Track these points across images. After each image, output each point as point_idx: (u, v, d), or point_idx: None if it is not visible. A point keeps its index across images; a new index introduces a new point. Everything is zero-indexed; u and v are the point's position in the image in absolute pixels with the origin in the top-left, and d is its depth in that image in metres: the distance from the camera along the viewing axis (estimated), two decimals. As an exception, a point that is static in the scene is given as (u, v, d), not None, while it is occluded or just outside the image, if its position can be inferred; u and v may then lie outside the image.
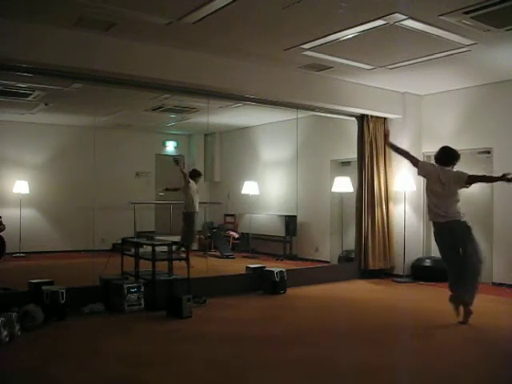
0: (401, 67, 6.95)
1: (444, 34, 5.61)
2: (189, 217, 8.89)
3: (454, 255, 5.44)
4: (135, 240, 7.02)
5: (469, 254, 5.32)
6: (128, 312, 5.80)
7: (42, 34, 5.44)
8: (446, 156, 5.58)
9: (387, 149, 8.51)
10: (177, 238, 8.15)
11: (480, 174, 5.39)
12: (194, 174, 9.24)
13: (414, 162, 5.85)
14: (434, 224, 5.55)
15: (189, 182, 8.92)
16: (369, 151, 8.39)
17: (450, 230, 5.39)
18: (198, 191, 9.11)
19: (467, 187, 5.44)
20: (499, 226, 7.66)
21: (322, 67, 7.07)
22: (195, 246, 10.32)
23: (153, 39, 5.95)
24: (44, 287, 5.52)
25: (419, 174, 5.85)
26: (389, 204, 8.45)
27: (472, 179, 5.41)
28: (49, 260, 9.27)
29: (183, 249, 7.64)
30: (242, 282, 7.12)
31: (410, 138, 8.52)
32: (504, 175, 5.20)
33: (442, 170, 5.50)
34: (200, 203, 11.18)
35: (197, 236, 9.71)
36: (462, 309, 5.35)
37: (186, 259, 6.32)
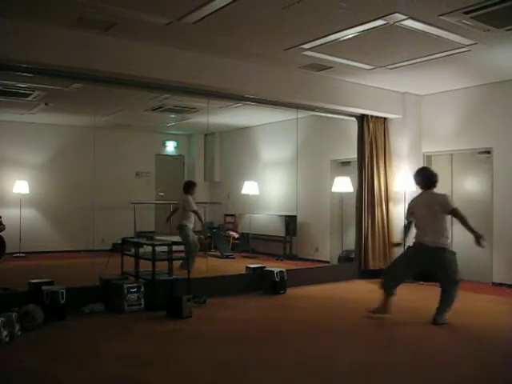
0: (401, 67, 6.95)
1: (444, 34, 5.61)
2: (183, 230, 8.33)
3: (412, 273, 5.73)
4: (135, 240, 7.02)
5: (448, 286, 5.40)
6: (128, 312, 5.80)
7: (42, 34, 5.44)
8: (429, 178, 5.58)
9: (387, 149, 8.53)
10: (177, 238, 8.12)
11: (463, 215, 5.45)
12: (194, 185, 8.61)
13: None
14: (418, 244, 5.46)
15: (191, 207, 8.29)
16: (369, 151, 8.39)
17: (435, 256, 5.35)
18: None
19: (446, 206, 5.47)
20: (499, 225, 7.66)
21: (321, 67, 7.07)
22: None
23: (153, 39, 5.95)
24: (44, 287, 5.52)
25: (410, 216, 5.76)
26: (389, 204, 8.45)
27: (454, 214, 5.43)
28: (49, 260, 9.27)
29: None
30: (242, 282, 7.12)
31: (410, 138, 8.53)
32: (480, 237, 5.28)
33: (426, 194, 5.55)
34: (200, 203, 11.18)
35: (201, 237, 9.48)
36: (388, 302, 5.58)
37: (187, 259, 6.32)
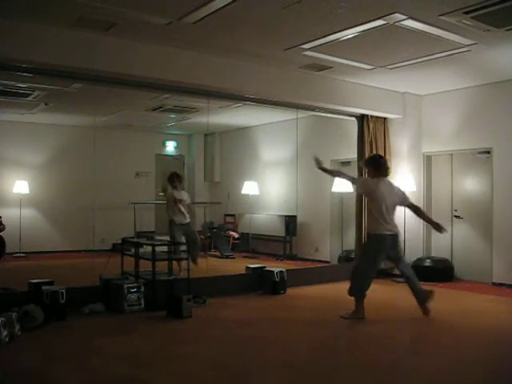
0: (401, 67, 6.95)
1: (444, 34, 5.61)
2: (169, 226, 8.00)
3: (380, 265, 5.80)
4: (135, 240, 7.02)
5: (406, 262, 5.70)
6: (128, 312, 5.80)
7: (42, 33, 5.44)
8: (387, 166, 5.67)
9: (387, 149, 8.53)
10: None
11: (419, 207, 5.86)
12: (174, 176, 8.17)
13: (351, 179, 5.85)
14: (382, 236, 5.47)
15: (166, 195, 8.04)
16: (369, 151, 8.38)
17: (394, 243, 5.54)
18: (182, 200, 8.02)
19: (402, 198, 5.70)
20: (499, 226, 7.66)
21: (321, 67, 7.07)
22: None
23: (153, 39, 5.95)
24: (44, 287, 5.51)
25: (362, 190, 5.81)
26: (389, 204, 8.44)
27: (411, 206, 5.71)
28: (49, 260, 9.27)
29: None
30: (242, 282, 7.12)
31: (409, 138, 8.53)
32: (438, 224, 5.47)
33: (385, 182, 5.58)
34: (200, 203, 11.13)
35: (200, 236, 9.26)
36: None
37: (186, 259, 6.32)
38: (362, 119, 8.45)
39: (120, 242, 6.87)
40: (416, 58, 6.54)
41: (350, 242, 8.89)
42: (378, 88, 8.18)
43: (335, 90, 7.75)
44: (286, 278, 7.03)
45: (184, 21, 5.29)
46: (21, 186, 10.14)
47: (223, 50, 6.34)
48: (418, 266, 8.19)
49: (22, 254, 9.58)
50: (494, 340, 4.91)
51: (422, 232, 8.60)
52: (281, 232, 10.27)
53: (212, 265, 8.35)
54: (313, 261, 9.71)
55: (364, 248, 6.02)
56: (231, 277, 7.30)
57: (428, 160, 8.65)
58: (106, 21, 5.35)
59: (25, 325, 4.95)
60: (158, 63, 6.18)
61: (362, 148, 8.44)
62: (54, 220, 10.52)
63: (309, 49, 6.22)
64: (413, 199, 8.33)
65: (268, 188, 11.04)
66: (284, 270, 7.10)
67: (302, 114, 8.88)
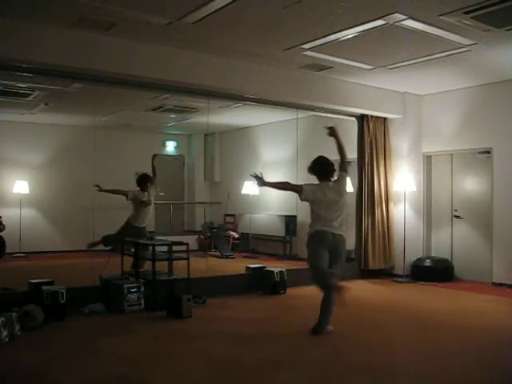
0: (401, 67, 6.95)
1: (444, 34, 5.61)
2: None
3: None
4: (135, 240, 7.01)
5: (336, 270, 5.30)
6: (128, 312, 5.80)
7: (42, 33, 5.44)
8: (329, 166, 5.53)
9: (387, 149, 8.53)
10: (177, 238, 8.09)
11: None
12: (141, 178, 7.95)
13: (297, 189, 5.55)
14: (325, 233, 5.37)
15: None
16: (369, 151, 8.39)
17: (340, 243, 5.47)
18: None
19: (347, 174, 5.46)
20: (499, 226, 7.66)
21: (321, 67, 7.07)
22: (195, 246, 10.31)
23: (153, 39, 5.95)
24: (44, 287, 5.52)
25: (304, 198, 5.45)
26: (389, 204, 8.45)
27: (341, 165, 5.53)
28: (49, 260, 9.26)
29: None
30: (242, 282, 7.12)
31: (409, 138, 8.53)
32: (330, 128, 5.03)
33: (326, 186, 5.47)
34: (200, 203, 11.09)
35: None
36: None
37: (186, 259, 6.33)
38: (362, 119, 8.45)
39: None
40: (416, 58, 6.54)
41: (350, 241, 8.86)
42: (378, 88, 8.18)
43: (335, 90, 7.76)
44: (285, 277, 7.03)
45: (184, 21, 5.29)
46: (21, 186, 10.13)
47: (223, 50, 6.34)
48: (418, 266, 8.22)
49: (22, 254, 9.56)
50: (495, 340, 4.91)
51: (422, 232, 8.60)
52: (281, 232, 10.27)
53: (212, 265, 8.36)
54: (313, 261, 9.69)
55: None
56: (231, 277, 7.30)
57: (428, 160, 8.65)
58: (106, 21, 5.35)
59: (25, 325, 4.95)
60: (158, 63, 6.18)
61: (362, 148, 8.44)
62: (54, 220, 10.51)
63: (309, 49, 6.22)
64: (413, 199, 8.43)
65: (268, 188, 11.01)
66: (284, 269, 7.10)
67: (301, 113, 8.88)
